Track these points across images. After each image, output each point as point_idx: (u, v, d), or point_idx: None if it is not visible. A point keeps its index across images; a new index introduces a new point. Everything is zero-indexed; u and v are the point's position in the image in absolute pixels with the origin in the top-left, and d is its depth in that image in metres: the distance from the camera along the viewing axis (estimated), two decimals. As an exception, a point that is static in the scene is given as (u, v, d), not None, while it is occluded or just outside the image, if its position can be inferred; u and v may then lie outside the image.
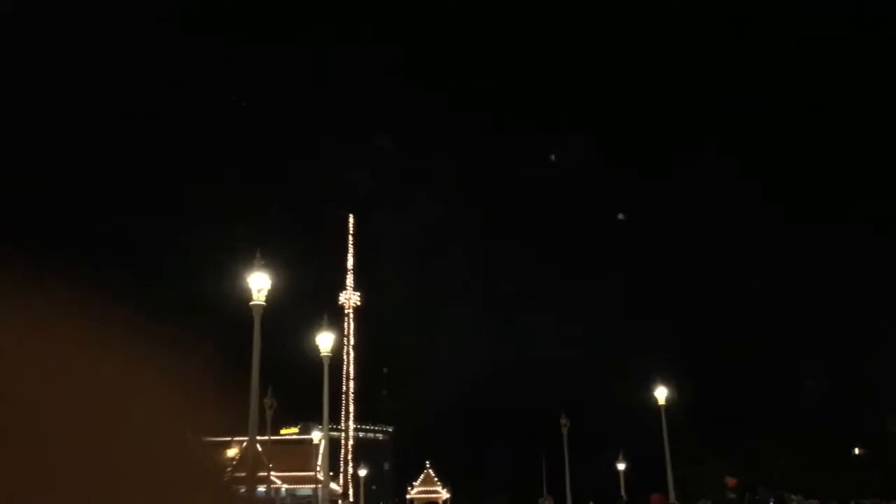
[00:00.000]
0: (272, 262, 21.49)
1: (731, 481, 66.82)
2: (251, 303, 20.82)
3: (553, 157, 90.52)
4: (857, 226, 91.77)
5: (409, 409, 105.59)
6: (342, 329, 79.09)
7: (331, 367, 28.86)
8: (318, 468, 52.18)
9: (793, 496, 40.09)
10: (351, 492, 69.50)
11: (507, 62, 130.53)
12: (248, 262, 21.10)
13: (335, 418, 78.88)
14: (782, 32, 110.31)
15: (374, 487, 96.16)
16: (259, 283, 20.90)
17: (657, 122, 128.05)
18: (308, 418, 74.74)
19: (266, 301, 21.05)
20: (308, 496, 56.38)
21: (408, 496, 72.21)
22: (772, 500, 34.86)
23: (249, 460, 22.71)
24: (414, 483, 73.12)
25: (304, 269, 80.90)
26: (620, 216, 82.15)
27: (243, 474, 24.55)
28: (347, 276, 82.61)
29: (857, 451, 70.95)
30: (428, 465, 73.74)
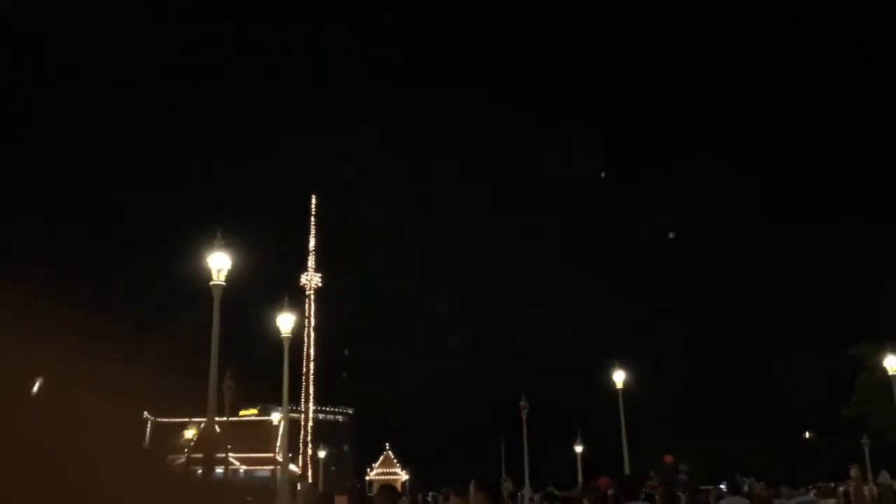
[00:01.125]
0: (234, 243, 21.26)
1: (667, 458, 68.29)
2: (211, 283, 20.59)
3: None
4: (838, 226, 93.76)
5: (369, 391, 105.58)
6: (304, 311, 78.62)
7: (291, 348, 28.74)
8: (277, 449, 52.05)
9: (744, 479, 40.94)
10: (310, 473, 69.36)
11: (494, 51, 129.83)
12: (209, 243, 20.85)
13: (295, 399, 78.55)
14: (780, 33, 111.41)
15: (333, 468, 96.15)
16: (219, 264, 20.67)
17: (651, 120, 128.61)
18: (267, 399, 74.42)
19: (227, 282, 20.84)
20: (266, 477, 56.21)
21: (367, 477, 72.40)
22: (724, 483, 35.55)
23: (207, 441, 22.58)
24: (373, 464, 73.30)
25: (271, 251, 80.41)
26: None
27: (201, 455, 24.42)
28: (309, 258, 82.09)
29: (807, 434, 72.77)
30: (387, 447, 73.94)
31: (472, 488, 7.10)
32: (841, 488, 38.76)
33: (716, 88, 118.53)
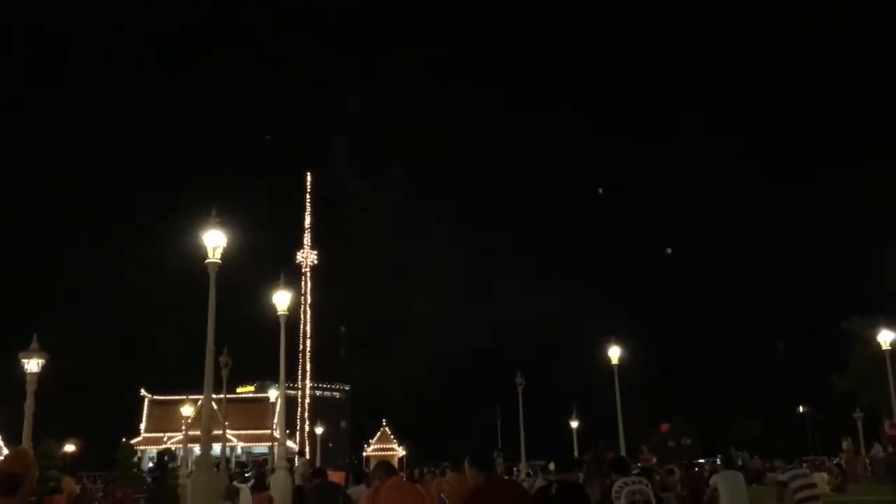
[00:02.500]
0: (230, 220, 21.18)
1: (663, 427, 68.87)
2: (207, 261, 20.54)
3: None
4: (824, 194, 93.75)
5: (366, 368, 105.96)
6: (300, 288, 78.76)
7: (288, 325, 28.75)
8: (274, 426, 52.22)
9: (739, 453, 41.37)
10: (307, 449, 69.82)
11: (487, 32, 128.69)
12: (204, 220, 20.76)
13: (292, 377, 78.89)
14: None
15: (330, 445, 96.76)
16: (214, 241, 20.59)
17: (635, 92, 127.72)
18: (264, 376, 74.67)
19: (224, 259, 20.79)
20: (264, 454, 56.53)
21: (364, 453, 72.88)
22: (719, 457, 35.90)
23: (204, 418, 22.64)
24: (370, 441, 73.75)
25: (268, 228, 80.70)
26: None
27: (198, 432, 24.54)
28: (305, 235, 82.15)
29: (801, 408, 73.22)
30: (384, 424, 74.36)
31: (466, 463, 7.19)
32: (834, 461, 39.07)
33: (707, 60, 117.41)
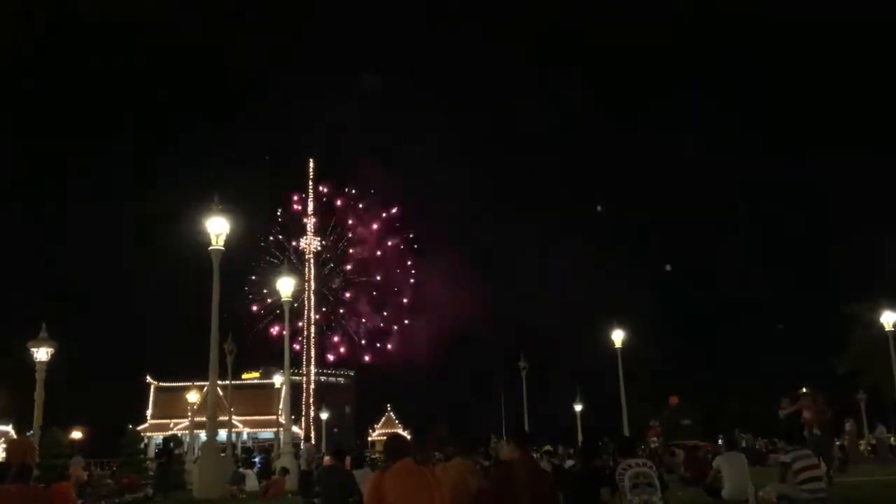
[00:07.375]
0: (232, 208, 21.24)
1: (672, 399, 68.75)
2: (210, 248, 20.62)
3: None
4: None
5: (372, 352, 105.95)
6: (304, 274, 78.80)
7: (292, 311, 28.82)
8: (279, 412, 52.55)
9: (742, 435, 41.46)
10: (313, 435, 70.10)
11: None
12: (207, 207, 20.83)
13: (296, 363, 79.05)
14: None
15: (335, 430, 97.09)
16: (217, 228, 20.66)
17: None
18: (269, 363, 74.85)
19: (227, 247, 20.87)
20: (270, 440, 56.86)
21: (369, 438, 73.21)
22: (721, 438, 35.95)
23: (210, 404, 22.79)
24: (375, 425, 74.09)
25: (270, 216, 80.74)
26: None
27: (204, 419, 24.70)
28: (308, 222, 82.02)
29: (804, 389, 73.28)
30: (389, 409, 74.69)
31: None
32: (837, 443, 39.14)
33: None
